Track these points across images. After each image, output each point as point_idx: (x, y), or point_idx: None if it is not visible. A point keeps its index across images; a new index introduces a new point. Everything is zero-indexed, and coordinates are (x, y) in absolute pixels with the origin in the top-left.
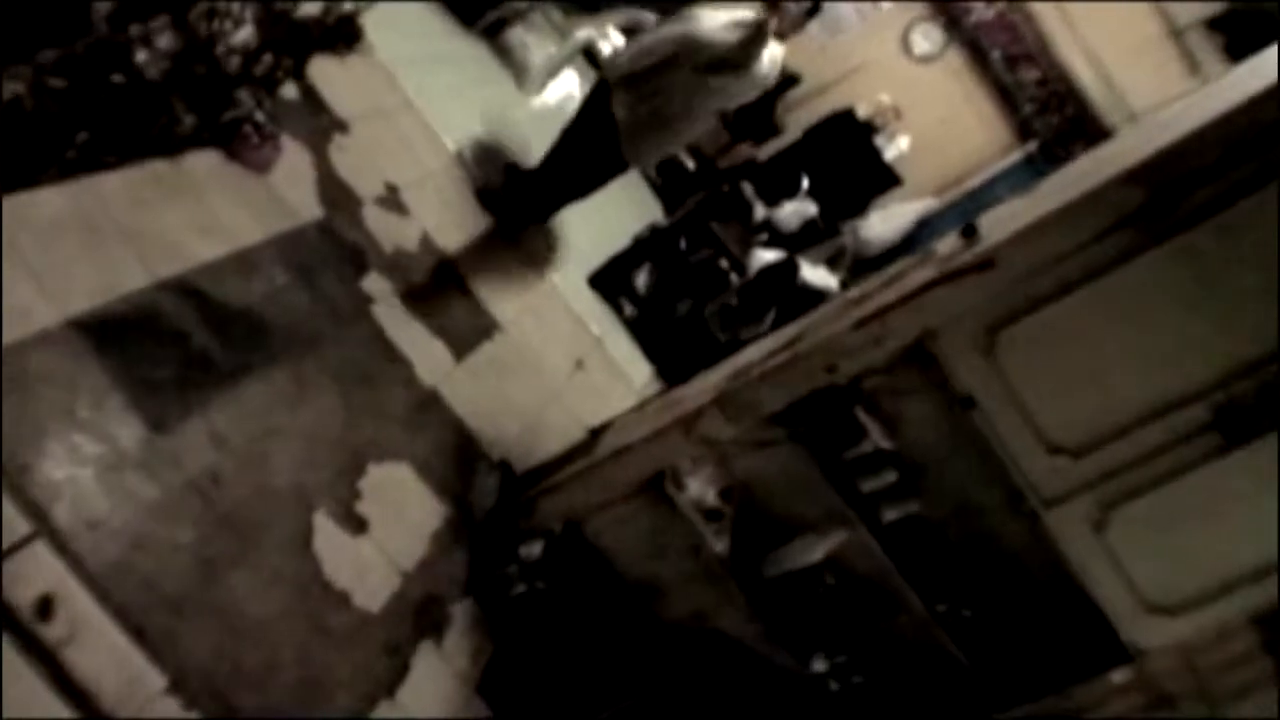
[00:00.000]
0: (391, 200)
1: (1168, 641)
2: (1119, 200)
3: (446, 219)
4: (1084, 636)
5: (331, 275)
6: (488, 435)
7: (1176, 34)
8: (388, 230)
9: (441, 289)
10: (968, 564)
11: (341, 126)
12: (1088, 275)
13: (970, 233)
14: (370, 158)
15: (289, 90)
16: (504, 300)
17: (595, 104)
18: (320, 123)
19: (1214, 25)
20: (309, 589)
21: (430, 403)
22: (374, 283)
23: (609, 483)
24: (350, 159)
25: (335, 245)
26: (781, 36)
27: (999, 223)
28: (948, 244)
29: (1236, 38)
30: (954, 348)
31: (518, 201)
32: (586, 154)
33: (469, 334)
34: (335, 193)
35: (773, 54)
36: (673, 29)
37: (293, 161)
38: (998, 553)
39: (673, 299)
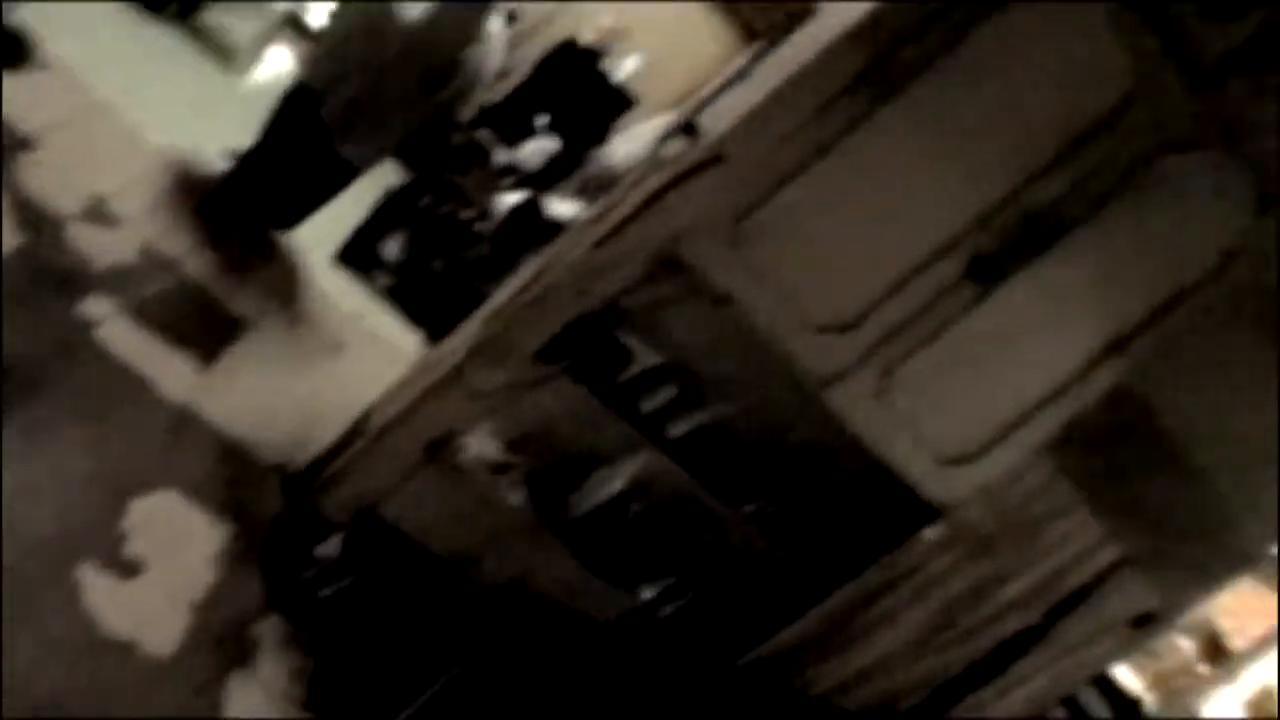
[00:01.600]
0: (99, 212)
1: (968, 490)
2: (839, 66)
3: (166, 222)
4: (890, 504)
5: (44, 305)
6: (257, 439)
7: None
8: (100, 245)
9: (173, 296)
10: (765, 459)
11: (26, 144)
12: (821, 148)
13: (691, 130)
14: (67, 171)
15: None
16: (246, 294)
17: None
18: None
19: None
20: (90, 650)
21: (184, 419)
22: (94, 305)
23: (390, 459)
24: (44, 176)
25: (42, 272)
26: None
27: (722, 114)
28: (674, 145)
29: None
30: (701, 248)
31: (248, 204)
32: (308, 168)
33: (213, 337)
34: (32, 216)
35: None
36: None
37: None
38: (791, 442)
39: (426, 260)
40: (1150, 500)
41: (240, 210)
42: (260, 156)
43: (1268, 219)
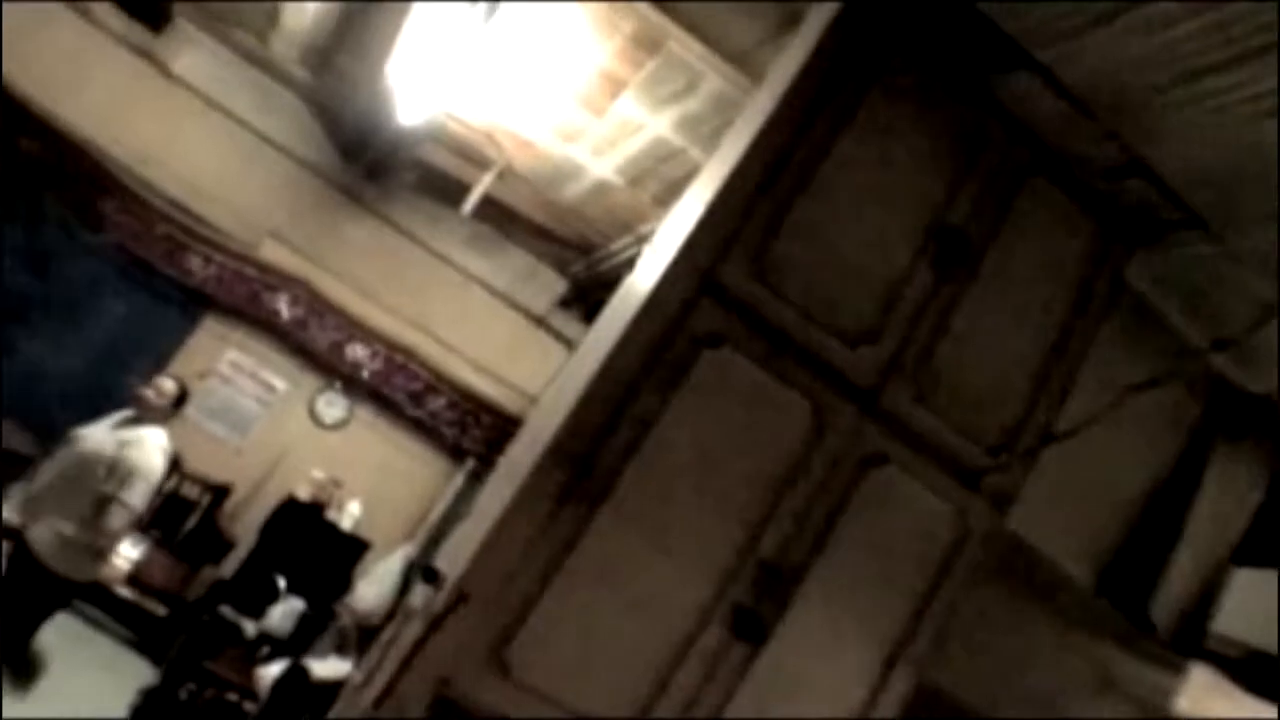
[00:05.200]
0: None
1: None
2: (545, 486)
3: None
4: None
5: None
6: None
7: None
8: None
9: None
10: None
11: None
12: (553, 564)
13: (432, 576)
14: None
15: None
16: None
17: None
18: None
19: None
20: None
21: None
22: None
23: None
24: None
25: None
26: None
27: (456, 552)
28: (420, 594)
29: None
30: (473, 685)
31: None
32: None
33: None
34: None
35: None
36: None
37: None
38: None
39: None
40: None
41: None
42: None
43: (978, 495)
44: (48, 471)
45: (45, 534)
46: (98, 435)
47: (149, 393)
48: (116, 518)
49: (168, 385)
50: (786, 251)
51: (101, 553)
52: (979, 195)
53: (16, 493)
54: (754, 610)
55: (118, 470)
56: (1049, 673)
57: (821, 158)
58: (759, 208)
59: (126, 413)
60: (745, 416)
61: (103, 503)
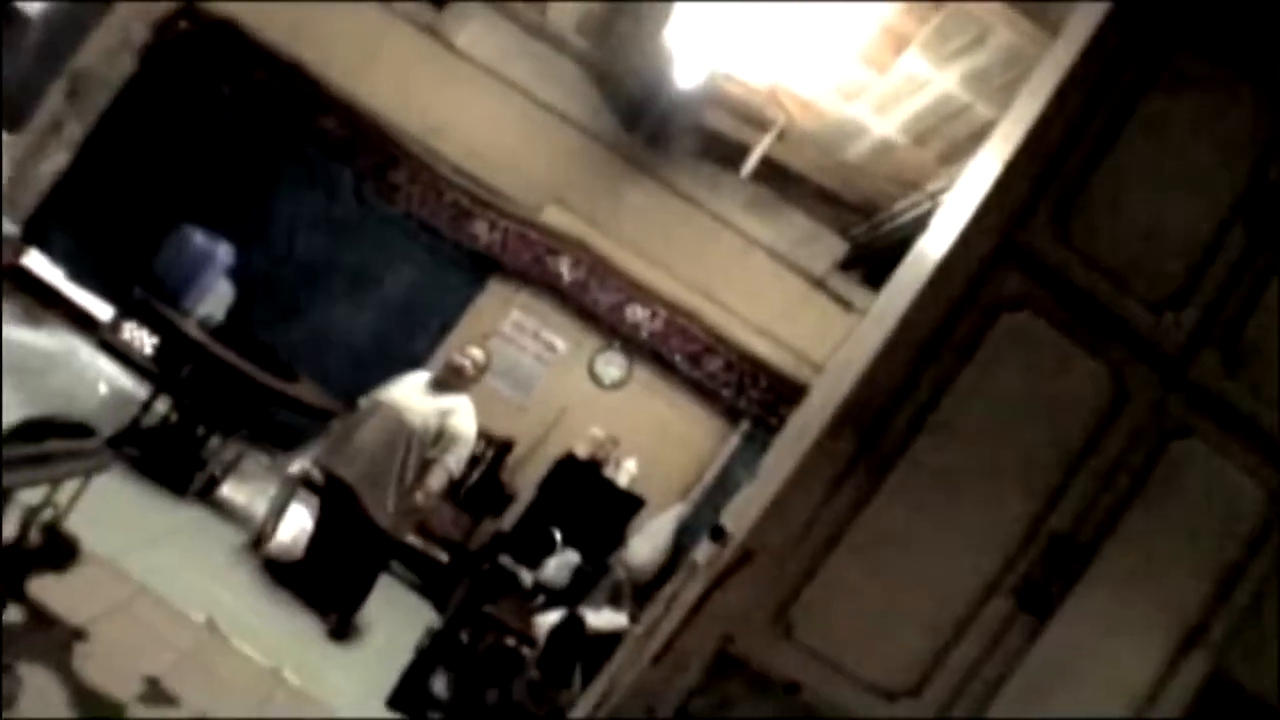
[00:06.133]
0: (156, 693)
1: None
2: (831, 454)
3: (219, 697)
4: None
5: None
6: None
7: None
8: None
9: None
10: None
11: (79, 635)
12: (837, 530)
13: (719, 535)
14: (120, 657)
15: (12, 615)
16: None
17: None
18: (55, 638)
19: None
20: None
21: None
22: None
23: None
24: (99, 665)
25: None
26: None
27: (741, 513)
28: (704, 551)
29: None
30: (755, 643)
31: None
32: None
33: None
34: (93, 705)
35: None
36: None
37: (38, 688)
38: None
39: (477, 694)
40: None
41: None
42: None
43: None
44: (368, 438)
45: (384, 502)
46: (418, 406)
47: (465, 363)
48: (439, 480)
49: (479, 355)
50: (1089, 213)
51: (420, 513)
52: None
53: (322, 448)
54: (1042, 583)
55: (442, 438)
56: None
57: (1126, 115)
58: (1060, 167)
59: (424, 374)
60: (1041, 383)
61: (428, 467)
